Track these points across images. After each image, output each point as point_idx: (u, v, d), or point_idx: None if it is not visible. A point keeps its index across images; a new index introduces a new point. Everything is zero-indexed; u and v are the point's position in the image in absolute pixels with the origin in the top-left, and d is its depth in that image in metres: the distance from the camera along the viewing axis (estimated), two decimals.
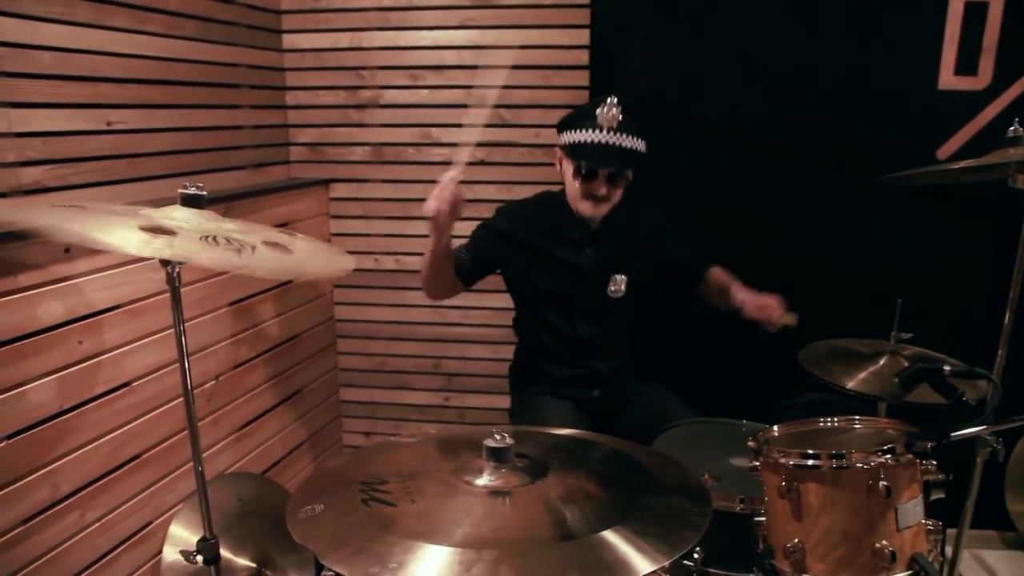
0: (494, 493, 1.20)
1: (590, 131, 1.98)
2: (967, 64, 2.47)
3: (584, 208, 2.07)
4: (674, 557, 1.04)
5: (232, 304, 2.23)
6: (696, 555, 1.63)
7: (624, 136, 1.98)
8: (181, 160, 2.16)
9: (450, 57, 2.64)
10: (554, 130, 2.56)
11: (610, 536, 1.07)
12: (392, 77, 2.68)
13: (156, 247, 1.20)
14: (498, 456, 1.23)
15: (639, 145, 2.01)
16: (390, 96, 2.70)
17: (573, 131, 2.02)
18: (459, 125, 2.65)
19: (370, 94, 2.70)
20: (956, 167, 1.74)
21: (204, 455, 2.06)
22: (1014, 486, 2.63)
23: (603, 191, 2.04)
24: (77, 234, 1.15)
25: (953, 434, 1.35)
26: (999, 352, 1.77)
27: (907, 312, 1.96)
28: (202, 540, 1.46)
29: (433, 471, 1.28)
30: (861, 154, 2.52)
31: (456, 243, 2.12)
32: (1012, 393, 1.61)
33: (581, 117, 2.01)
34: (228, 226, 1.37)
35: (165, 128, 2.09)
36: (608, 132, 1.97)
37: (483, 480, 1.22)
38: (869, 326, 2.05)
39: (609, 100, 1.97)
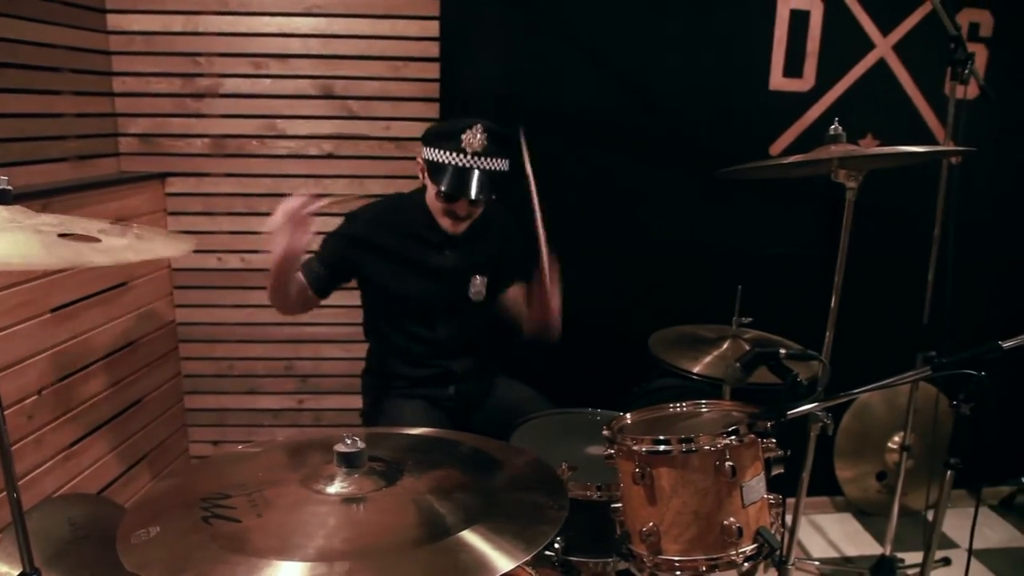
0: (347, 500, 1.15)
1: (453, 154, 1.94)
2: (794, 67, 2.65)
3: (445, 224, 2.05)
4: (532, 553, 1.03)
5: (56, 310, 2.03)
6: (557, 544, 1.66)
7: (488, 160, 1.95)
8: None
9: (296, 45, 2.52)
10: (404, 123, 2.53)
11: (468, 536, 1.05)
12: (233, 65, 2.53)
13: None
14: (350, 461, 1.18)
15: (503, 166, 1.99)
16: (231, 85, 2.54)
17: (436, 150, 1.97)
18: (306, 117, 2.56)
19: (208, 82, 2.53)
20: (787, 162, 1.85)
21: (27, 478, 1.89)
22: (843, 455, 2.87)
23: (464, 212, 2.02)
24: None
25: (790, 412, 1.43)
26: (827, 334, 1.91)
27: (746, 297, 2.08)
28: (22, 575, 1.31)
29: (281, 481, 1.22)
30: (704, 148, 2.65)
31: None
32: (838, 371, 1.74)
33: (445, 138, 1.96)
34: (47, 221, 1.23)
35: None
36: (472, 156, 1.94)
37: (335, 487, 1.17)
38: (714, 312, 2.16)
39: (476, 126, 1.93)
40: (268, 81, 2.54)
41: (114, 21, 2.47)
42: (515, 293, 2.26)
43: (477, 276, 2.15)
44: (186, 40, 2.50)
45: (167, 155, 2.57)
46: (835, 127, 1.83)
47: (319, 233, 2.05)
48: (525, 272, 2.22)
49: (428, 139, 2.02)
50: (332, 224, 2.14)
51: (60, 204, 2.04)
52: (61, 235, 1.18)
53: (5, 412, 1.28)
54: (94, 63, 2.43)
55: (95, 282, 2.20)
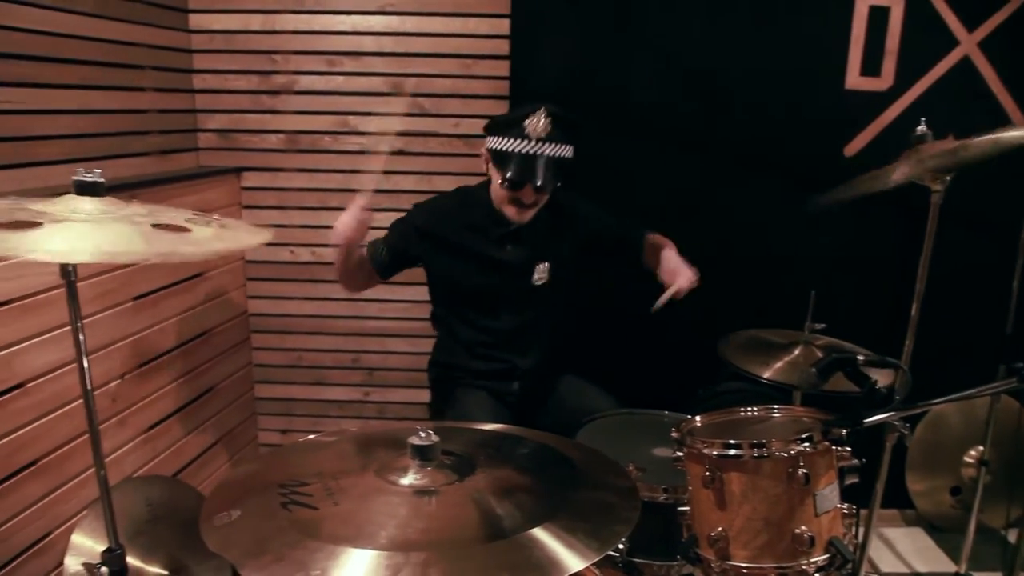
0: (420, 492, 1.16)
1: (517, 141, 1.95)
2: (872, 65, 2.57)
3: (510, 213, 2.06)
4: (604, 553, 1.03)
5: (138, 298, 2.11)
6: (621, 545, 1.65)
7: (551, 146, 1.96)
8: (78, 145, 2.02)
9: (368, 43, 2.57)
10: (474, 120, 2.55)
11: (540, 534, 1.05)
12: (307, 62, 2.59)
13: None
14: (424, 454, 1.20)
15: (567, 152, 1.99)
16: (305, 82, 2.60)
17: (500, 138, 1.99)
18: (377, 113, 2.61)
19: (284, 79, 2.60)
20: (892, 181, 1.75)
21: (109, 459, 1.96)
22: (915, 467, 2.77)
23: (530, 199, 2.03)
24: None
25: (867, 421, 1.39)
26: (907, 342, 1.85)
27: (820, 304, 2.03)
28: (107, 550, 1.37)
29: (356, 471, 1.24)
30: (775, 149, 2.60)
31: (373, 235, 2.10)
32: (917, 380, 1.68)
33: (509, 125, 1.98)
34: (137, 211, 1.28)
35: (60, 110, 1.96)
36: (536, 143, 1.95)
37: (408, 479, 1.18)
38: (785, 317, 2.12)
39: (539, 111, 1.94)
40: (341, 78, 2.59)
41: (196, 20, 2.55)
42: (654, 242, 2.25)
43: (540, 264, 2.16)
44: (263, 38, 2.57)
45: (243, 150, 2.65)
46: (922, 127, 1.76)
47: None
48: (623, 235, 2.28)
49: (492, 128, 2.03)
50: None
51: (144, 197, 2.10)
52: (154, 225, 1.22)
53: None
54: (176, 61, 2.52)
55: (174, 272, 2.28)
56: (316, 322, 2.76)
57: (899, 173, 1.73)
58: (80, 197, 1.25)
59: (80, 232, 1.16)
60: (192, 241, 1.23)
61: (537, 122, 1.94)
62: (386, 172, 2.63)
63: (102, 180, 1.29)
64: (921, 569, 2.58)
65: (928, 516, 2.81)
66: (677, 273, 2.03)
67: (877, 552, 2.67)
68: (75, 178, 1.26)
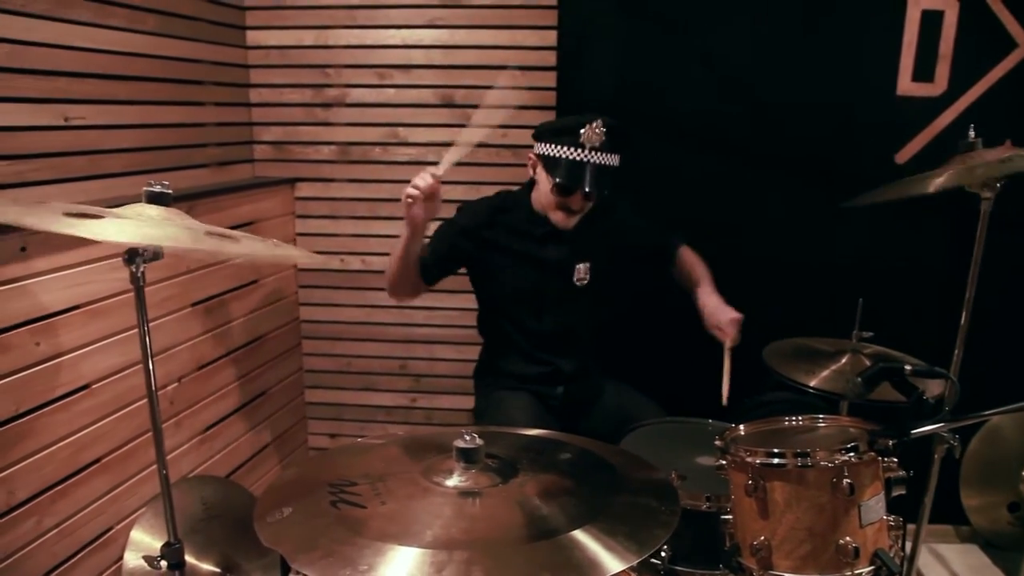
0: (464, 494, 1.19)
1: (572, 149, 1.99)
2: (924, 71, 2.53)
3: (557, 218, 2.10)
4: (644, 556, 1.04)
5: (196, 304, 2.20)
6: (664, 553, 1.65)
7: (603, 155, 2.00)
8: (142, 157, 2.11)
9: (418, 56, 2.63)
10: (521, 131, 2.58)
11: (580, 536, 1.07)
12: (359, 76, 2.66)
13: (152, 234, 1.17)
14: (468, 457, 1.23)
15: (615, 161, 2.03)
16: (356, 95, 2.68)
17: (553, 145, 2.02)
18: (427, 125, 2.66)
19: (336, 92, 2.68)
20: (932, 187, 1.74)
21: (167, 458, 2.03)
22: (969, 482, 2.70)
23: (578, 205, 2.06)
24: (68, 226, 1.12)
25: (913, 432, 1.38)
26: (956, 352, 1.82)
27: (867, 312, 2.00)
28: (166, 545, 1.43)
29: (402, 472, 1.27)
30: (824, 157, 2.57)
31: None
32: (967, 391, 1.65)
33: (563, 132, 2.01)
34: (195, 223, 1.35)
35: (125, 124, 2.05)
36: (589, 151, 1.98)
37: (453, 481, 1.22)
38: (832, 325, 2.09)
39: (596, 121, 1.98)
40: (392, 91, 2.66)
41: (252, 37, 2.65)
42: (687, 262, 2.29)
43: (580, 264, 2.18)
44: (317, 53, 2.65)
45: (297, 161, 2.73)
46: (971, 134, 1.74)
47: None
48: (657, 244, 2.30)
49: (544, 134, 2.07)
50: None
51: (202, 206, 2.20)
52: (207, 233, 1.29)
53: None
54: (234, 76, 2.61)
55: (230, 279, 2.37)
56: (365, 329, 2.83)
57: (941, 180, 1.71)
58: (148, 206, 1.32)
59: (138, 225, 1.24)
60: (238, 245, 1.30)
61: (593, 132, 1.98)
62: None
63: (170, 191, 1.36)
64: None
65: (984, 532, 2.73)
66: (723, 326, 2.04)
67: (930, 568, 2.60)
68: (146, 188, 1.33)
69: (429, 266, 2.14)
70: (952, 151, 1.91)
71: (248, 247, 1.40)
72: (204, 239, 1.28)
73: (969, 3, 2.46)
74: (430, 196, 1.88)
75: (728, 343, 2.02)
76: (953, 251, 2.46)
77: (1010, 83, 2.51)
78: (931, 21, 2.49)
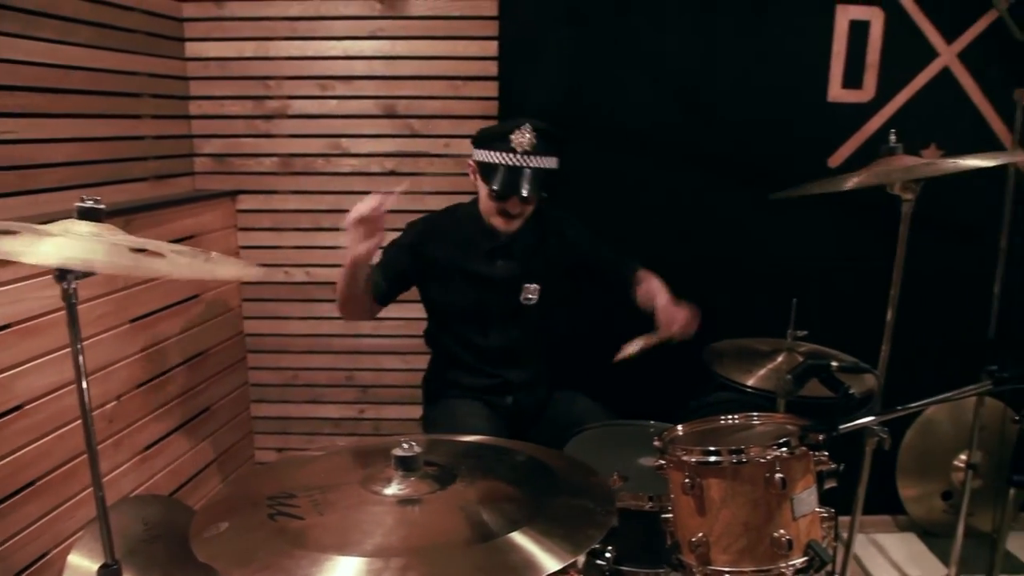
0: (403, 502, 1.20)
1: (503, 154, 2.01)
2: (853, 78, 2.62)
3: (497, 223, 2.11)
4: (579, 555, 1.06)
5: (134, 320, 2.16)
6: (608, 554, 1.67)
7: (536, 158, 2.02)
8: (77, 172, 2.07)
9: (360, 67, 2.63)
10: (464, 140, 2.60)
11: (518, 538, 1.09)
12: (300, 87, 2.65)
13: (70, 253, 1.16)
14: (407, 465, 1.24)
15: (551, 164, 2.06)
16: (298, 106, 2.66)
17: (488, 151, 2.05)
18: (370, 136, 2.66)
19: (277, 104, 2.66)
20: (849, 185, 1.81)
21: (106, 479, 2.00)
22: (905, 472, 2.80)
23: (516, 209, 2.08)
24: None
25: (842, 426, 1.43)
26: (883, 347, 1.88)
27: (802, 311, 2.06)
28: (103, 567, 1.40)
29: (342, 483, 1.28)
30: (760, 162, 2.64)
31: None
32: (901, 386, 1.71)
33: (495, 139, 2.04)
34: (130, 239, 1.34)
35: (59, 139, 2.01)
36: (521, 155, 2.01)
37: (392, 489, 1.22)
38: (768, 325, 2.15)
39: (525, 125, 2.01)
40: (333, 102, 2.65)
41: (192, 48, 2.62)
42: (643, 280, 2.28)
43: (529, 284, 2.20)
44: (257, 64, 2.63)
45: (238, 174, 2.70)
46: (892, 139, 1.81)
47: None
48: (616, 265, 2.31)
49: (479, 141, 2.09)
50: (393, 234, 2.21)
51: (141, 221, 2.17)
52: (134, 249, 1.28)
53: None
54: (173, 88, 2.58)
55: (170, 295, 2.33)
56: (311, 341, 2.81)
57: (857, 179, 1.80)
58: (79, 222, 1.31)
59: (57, 243, 1.23)
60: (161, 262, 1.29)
61: (522, 136, 2.00)
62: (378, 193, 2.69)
63: (102, 206, 1.34)
64: (913, 574, 2.60)
65: (920, 521, 2.83)
66: (674, 320, 2.06)
67: (870, 558, 2.68)
68: (77, 204, 1.32)
69: (381, 287, 2.12)
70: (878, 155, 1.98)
71: (175, 264, 1.39)
72: (127, 256, 1.27)
73: (893, 14, 2.57)
74: (372, 221, 1.80)
75: (661, 332, 2.05)
76: (881, 252, 2.55)
77: (933, 90, 2.62)
78: (859, 31, 2.59)
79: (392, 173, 2.68)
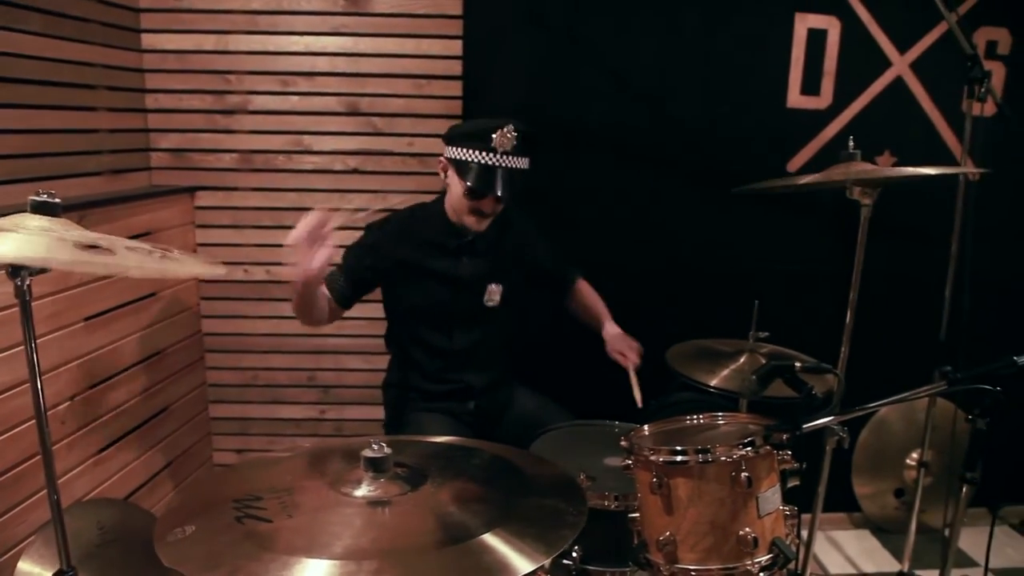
0: (373, 503, 1.19)
1: (483, 153, 1.99)
2: (811, 85, 2.68)
3: (469, 222, 2.09)
4: (552, 556, 1.06)
5: (89, 319, 2.09)
6: (575, 553, 1.68)
7: (514, 159, 2.01)
8: (27, 164, 2.00)
9: (322, 64, 2.59)
10: (427, 139, 2.59)
11: (490, 539, 1.09)
12: (261, 82, 2.60)
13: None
14: (376, 466, 1.22)
15: (526, 164, 2.05)
16: (259, 102, 2.62)
17: (464, 149, 2.02)
18: (332, 133, 2.63)
19: (238, 99, 2.61)
20: (801, 182, 1.88)
21: (59, 482, 1.92)
22: (859, 471, 2.87)
23: (490, 209, 2.07)
24: None
25: (805, 425, 1.45)
26: (842, 348, 1.93)
27: (764, 313, 2.10)
28: (58, 573, 1.36)
29: (310, 485, 1.26)
30: (722, 166, 2.68)
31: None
32: (857, 387, 1.75)
33: (475, 137, 2.00)
34: (87, 235, 1.30)
35: (7, 130, 1.94)
36: (501, 155, 1.99)
37: (362, 491, 1.21)
38: (730, 327, 2.19)
39: (507, 126, 1.99)
40: (295, 98, 2.61)
41: (148, 40, 2.55)
42: (585, 296, 2.36)
43: (492, 284, 2.19)
44: (217, 58, 2.57)
45: (197, 169, 2.64)
46: (850, 145, 1.86)
47: (340, 246, 2.06)
48: (555, 272, 2.34)
49: (454, 138, 2.05)
50: (354, 236, 2.19)
51: (96, 215, 2.11)
52: (83, 246, 1.24)
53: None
54: (128, 81, 2.51)
55: (126, 292, 2.27)
56: (271, 340, 2.76)
57: (809, 178, 1.85)
58: (32, 216, 1.26)
59: (13, 239, 1.20)
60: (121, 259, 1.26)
61: (504, 137, 1.99)
62: (341, 191, 2.66)
63: (58, 200, 1.30)
64: (867, 569, 2.67)
65: (874, 518, 2.90)
66: (625, 352, 2.18)
67: (826, 554, 2.74)
68: (31, 198, 1.27)
69: (345, 292, 2.08)
70: (838, 161, 2.03)
71: (137, 261, 1.34)
72: (85, 252, 1.23)
73: (849, 23, 2.63)
74: (318, 239, 1.74)
75: (631, 367, 2.14)
76: (842, 255, 2.61)
77: (887, 98, 2.69)
78: (816, 39, 2.65)
79: (355, 171, 2.65)
